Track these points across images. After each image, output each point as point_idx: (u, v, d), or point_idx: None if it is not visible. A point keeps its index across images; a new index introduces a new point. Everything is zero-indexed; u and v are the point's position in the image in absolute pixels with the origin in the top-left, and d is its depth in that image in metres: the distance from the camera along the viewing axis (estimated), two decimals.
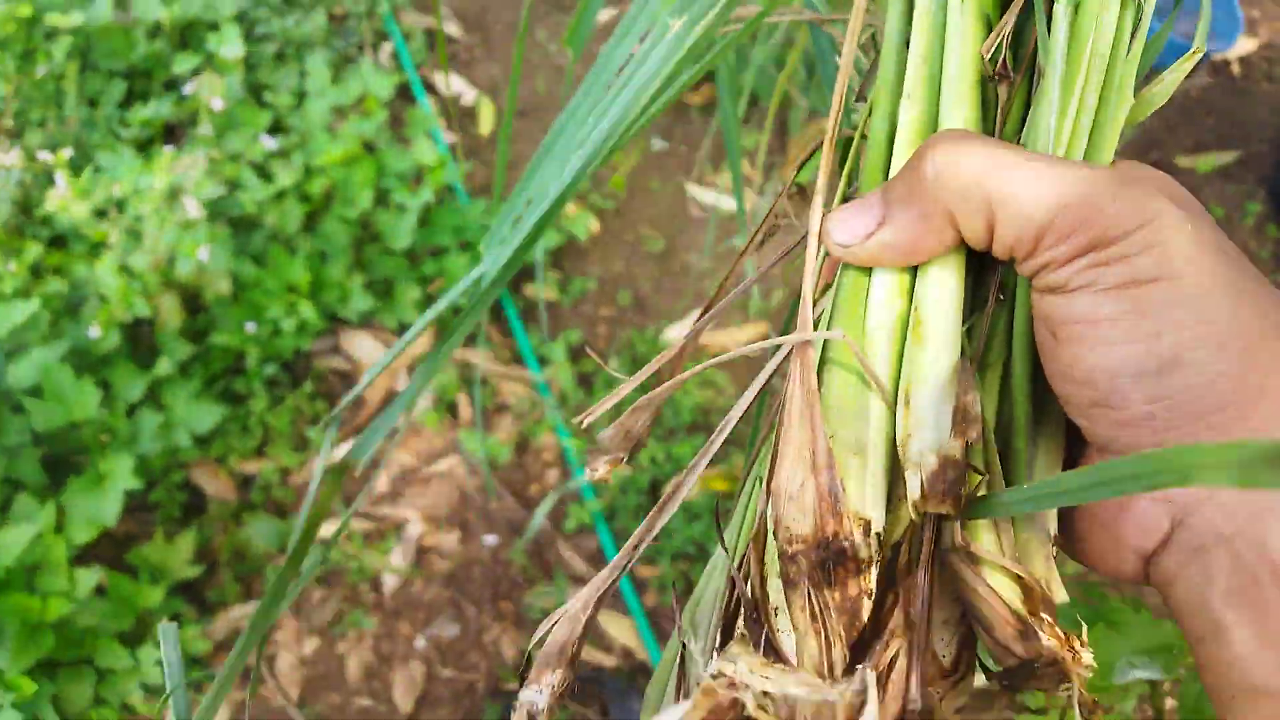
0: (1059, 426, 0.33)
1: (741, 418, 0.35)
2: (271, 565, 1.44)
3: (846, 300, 0.33)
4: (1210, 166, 1.80)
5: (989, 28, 0.35)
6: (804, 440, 0.29)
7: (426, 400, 1.55)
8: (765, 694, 0.26)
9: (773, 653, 0.29)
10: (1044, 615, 0.29)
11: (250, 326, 1.45)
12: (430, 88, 2.01)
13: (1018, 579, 0.29)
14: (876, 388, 0.31)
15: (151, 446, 1.31)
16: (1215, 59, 1.90)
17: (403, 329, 1.60)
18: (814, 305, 0.33)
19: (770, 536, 0.30)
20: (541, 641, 0.34)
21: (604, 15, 2.01)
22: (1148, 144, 1.87)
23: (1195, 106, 1.92)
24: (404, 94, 1.99)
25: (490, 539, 1.48)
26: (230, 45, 1.65)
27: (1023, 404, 0.32)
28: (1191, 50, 0.34)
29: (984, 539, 0.30)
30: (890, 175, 0.34)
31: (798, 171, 0.44)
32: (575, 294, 1.74)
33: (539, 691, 0.33)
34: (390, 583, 1.44)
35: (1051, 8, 0.33)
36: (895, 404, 0.31)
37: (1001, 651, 0.29)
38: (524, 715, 0.33)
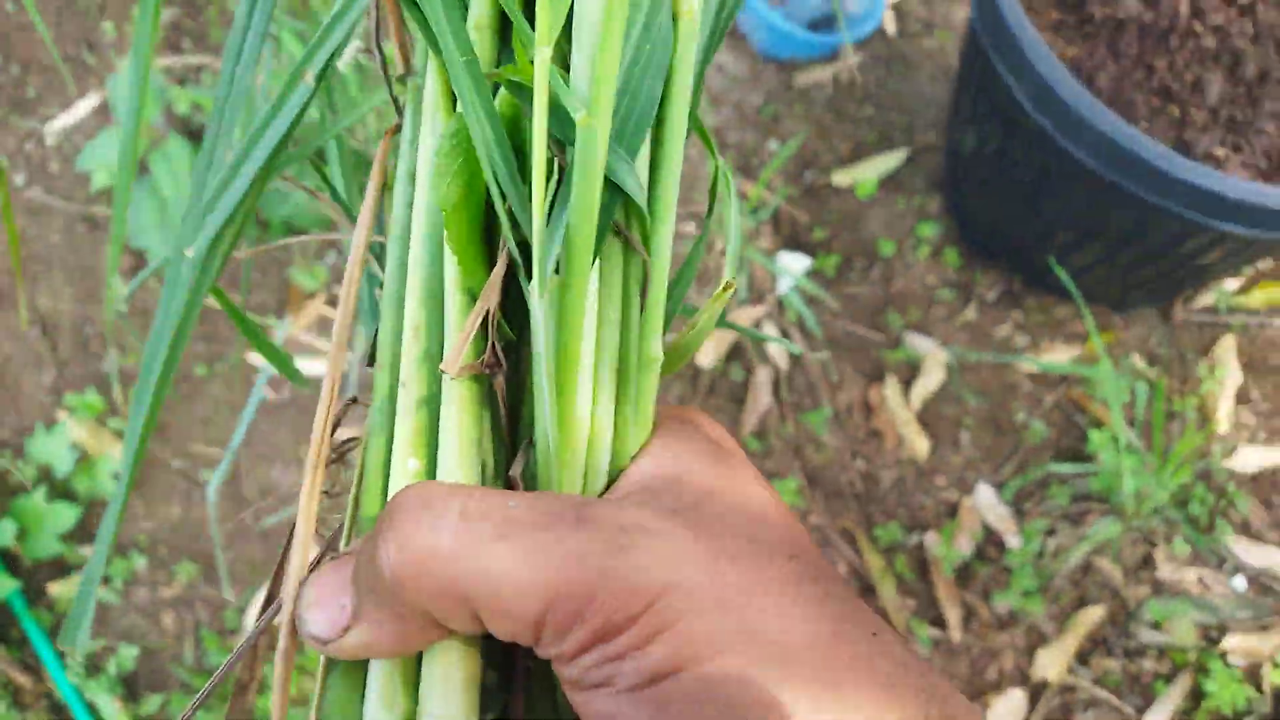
0: None
1: None
2: None
3: (337, 704, 0.29)
4: (871, 187, 1.54)
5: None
6: None
7: None
8: None
9: None
10: None
11: None
12: None
13: None
14: None
15: None
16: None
17: None
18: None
19: None
20: None
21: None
22: (801, 163, 1.59)
23: (847, 97, 1.63)
24: None
25: None
26: None
27: None
28: (722, 287, 0.32)
29: None
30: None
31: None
32: (123, 576, 1.35)
33: None
34: None
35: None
36: None
37: None
38: None
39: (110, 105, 1.42)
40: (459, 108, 0.30)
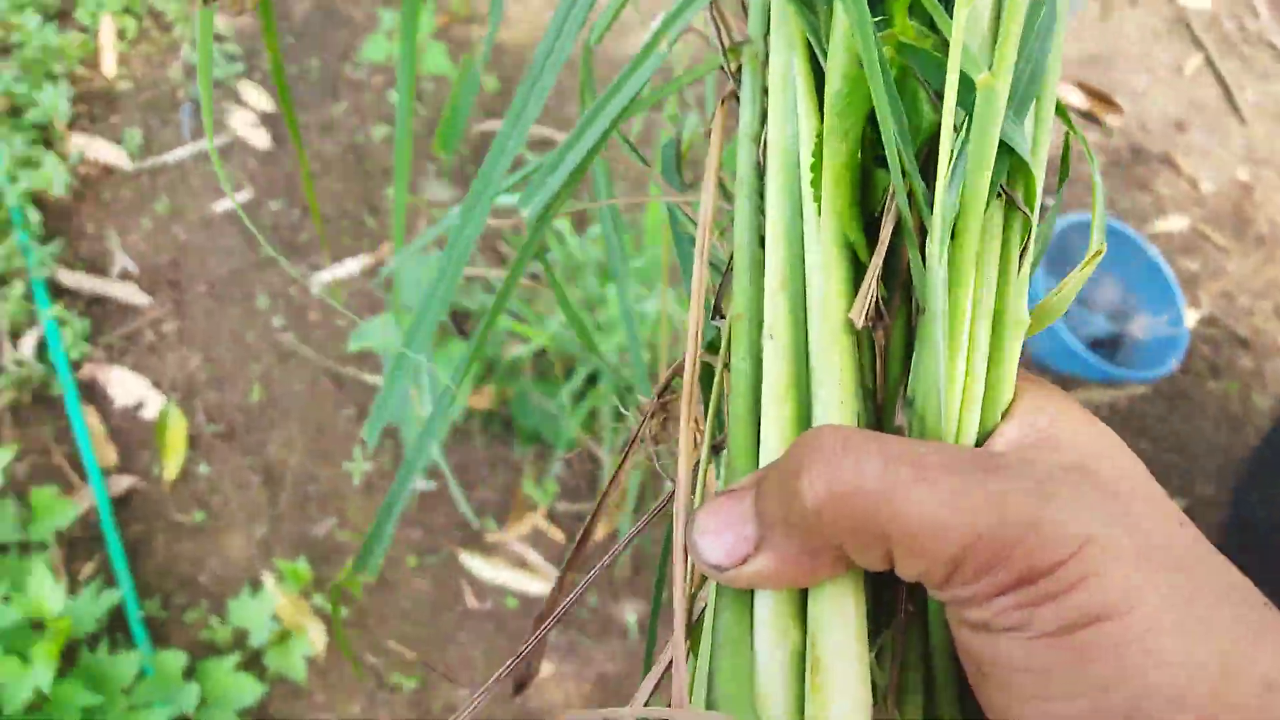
0: None
1: None
2: None
3: (729, 633, 0.30)
4: None
5: (850, 251, 0.33)
6: None
7: None
8: None
9: None
10: None
11: None
12: (94, 394, 1.51)
13: None
14: None
15: None
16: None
17: None
18: (687, 638, 0.31)
19: None
20: None
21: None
22: None
23: (1123, 428, 1.58)
24: (42, 407, 1.49)
25: None
26: None
27: None
28: (1092, 253, 0.32)
29: None
30: (761, 445, 0.32)
31: (661, 393, 0.39)
32: None
33: None
34: None
35: (924, 244, 0.30)
36: None
37: None
38: None
39: (395, 283, 1.46)
40: (836, 71, 0.32)
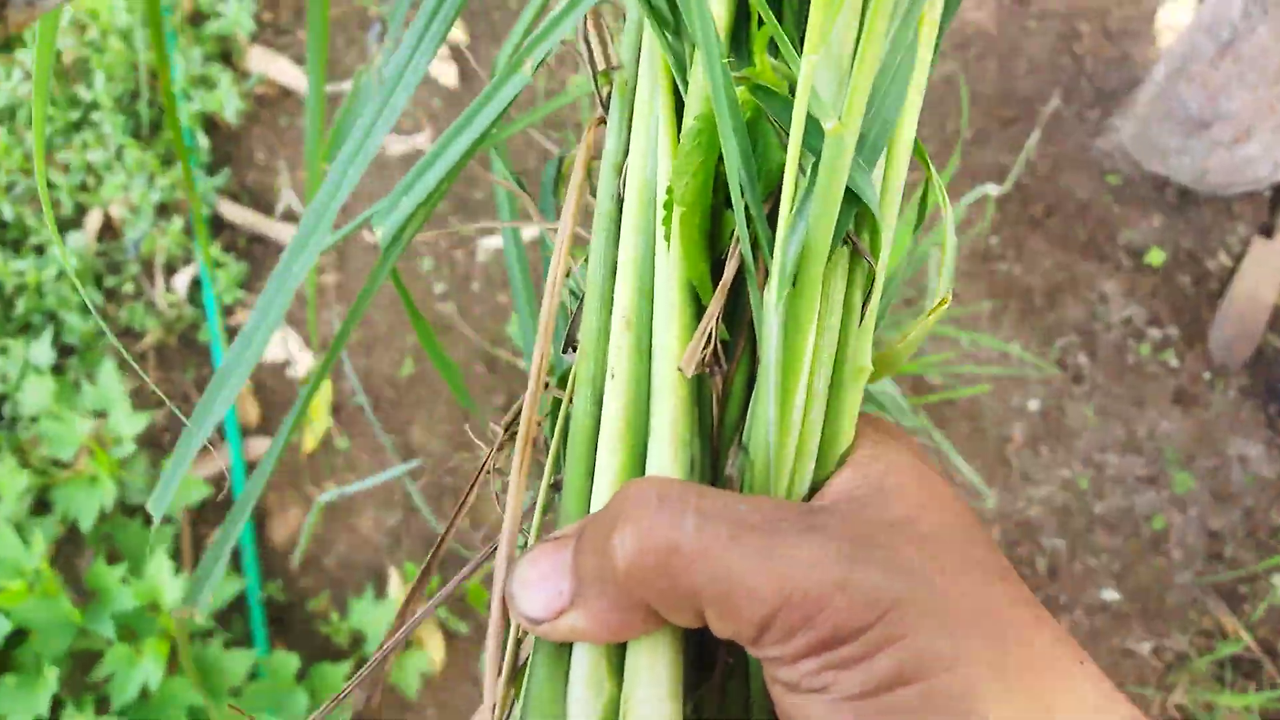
0: None
1: None
2: None
3: (543, 687, 0.30)
4: None
5: (697, 293, 0.33)
6: None
7: None
8: None
9: None
10: None
11: None
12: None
13: None
14: None
15: None
16: None
17: None
18: (509, 688, 0.31)
19: None
20: None
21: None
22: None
23: None
24: (189, 350, 1.44)
25: None
26: None
27: None
28: (939, 301, 0.32)
29: None
30: (594, 491, 0.32)
31: (510, 425, 0.38)
32: None
33: None
34: None
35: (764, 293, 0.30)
36: None
37: None
38: None
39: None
40: (693, 108, 0.31)
